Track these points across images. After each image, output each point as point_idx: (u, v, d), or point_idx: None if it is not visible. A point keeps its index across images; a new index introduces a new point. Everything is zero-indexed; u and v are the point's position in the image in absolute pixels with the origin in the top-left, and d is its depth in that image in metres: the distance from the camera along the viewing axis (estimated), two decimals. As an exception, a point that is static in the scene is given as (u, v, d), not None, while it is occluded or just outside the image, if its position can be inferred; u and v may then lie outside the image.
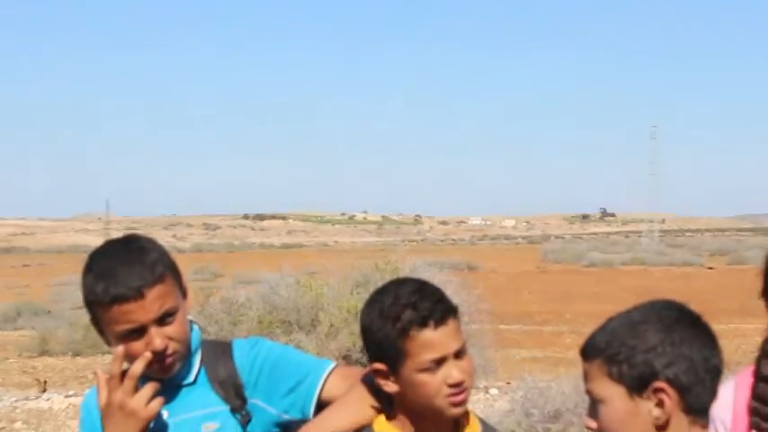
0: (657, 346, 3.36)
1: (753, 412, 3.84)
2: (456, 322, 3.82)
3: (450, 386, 3.75)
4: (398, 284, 3.98)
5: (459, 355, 3.77)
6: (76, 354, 21.94)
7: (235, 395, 4.14)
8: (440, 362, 3.72)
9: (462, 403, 3.80)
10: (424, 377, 3.74)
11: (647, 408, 3.36)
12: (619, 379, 3.39)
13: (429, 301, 3.79)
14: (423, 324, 3.72)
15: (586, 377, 3.51)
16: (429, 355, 3.72)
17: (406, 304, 3.77)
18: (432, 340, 3.72)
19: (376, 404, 3.94)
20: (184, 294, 4.14)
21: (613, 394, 3.40)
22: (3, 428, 14.58)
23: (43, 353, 23.25)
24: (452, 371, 3.76)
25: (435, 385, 3.73)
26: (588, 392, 3.51)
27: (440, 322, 3.74)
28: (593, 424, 3.50)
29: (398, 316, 3.74)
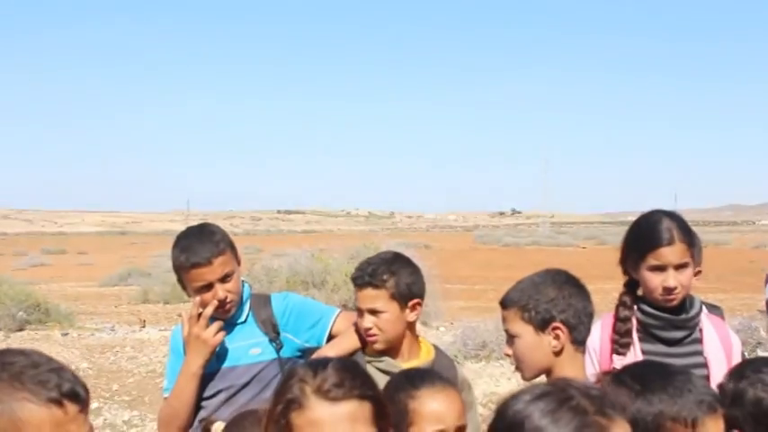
0: (554, 299, 3.39)
1: (613, 341, 3.85)
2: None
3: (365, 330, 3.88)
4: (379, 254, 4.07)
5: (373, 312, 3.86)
6: (167, 302, 21.86)
7: (272, 330, 4.22)
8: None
9: (374, 342, 3.88)
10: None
11: (548, 340, 3.38)
12: (528, 321, 3.40)
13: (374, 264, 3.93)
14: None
15: (504, 320, 3.52)
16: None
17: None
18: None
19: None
20: (239, 262, 4.21)
21: (524, 332, 3.41)
22: (117, 351, 14.51)
23: (144, 301, 23.22)
24: (364, 322, 3.87)
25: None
26: (506, 331, 3.52)
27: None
28: (510, 351, 3.53)
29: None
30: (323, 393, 2.34)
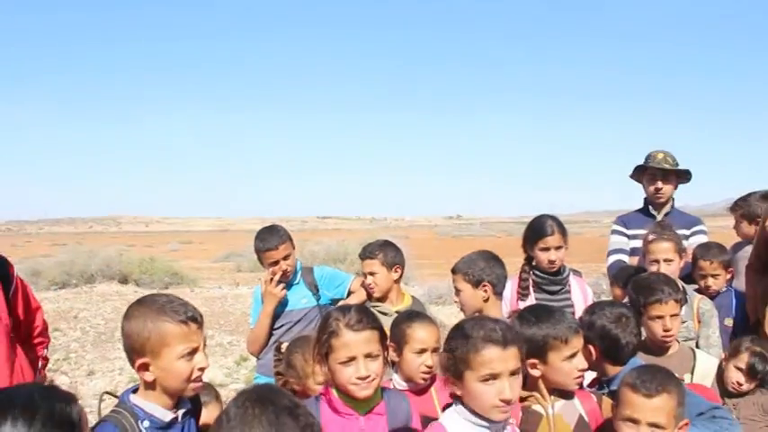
0: (484, 267, 3.41)
1: (518, 293, 3.88)
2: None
3: (367, 285, 4.03)
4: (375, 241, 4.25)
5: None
6: (252, 271, 21.77)
7: (314, 288, 4.26)
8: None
9: (373, 292, 4.04)
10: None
11: (480, 293, 3.41)
12: (468, 281, 3.43)
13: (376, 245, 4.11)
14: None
15: (454, 281, 3.53)
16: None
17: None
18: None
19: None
20: (294, 248, 4.22)
21: (465, 288, 3.44)
22: (223, 301, 14.54)
23: (239, 271, 23.15)
24: (366, 280, 4.07)
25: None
26: (455, 287, 3.54)
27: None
28: (457, 299, 3.56)
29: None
30: (350, 326, 2.37)
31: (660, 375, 2.35)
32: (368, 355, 2.36)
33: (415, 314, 3.14)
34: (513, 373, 2.18)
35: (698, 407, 2.56)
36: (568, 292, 3.95)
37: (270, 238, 4.09)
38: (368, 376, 2.35)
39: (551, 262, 3.85)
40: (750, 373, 3.38)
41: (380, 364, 2.41)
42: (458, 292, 3.53)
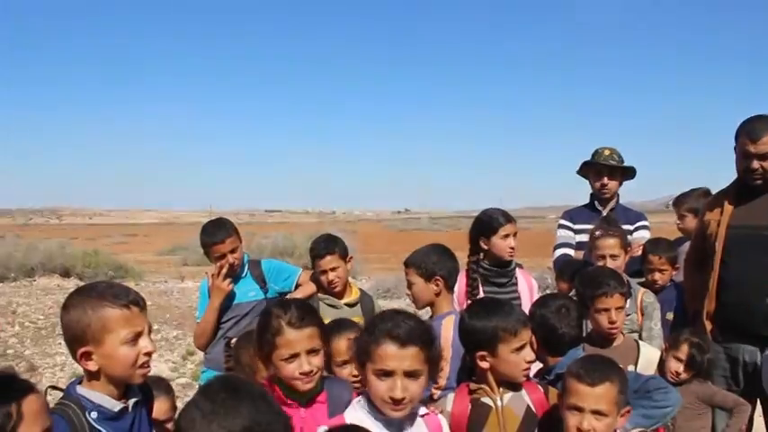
0: (436, 261, 3.41)
1: (468, 286, 3.90)
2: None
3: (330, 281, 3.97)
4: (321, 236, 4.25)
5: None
6: (198, 265, 21.46)
7: (262, 281, 4.22)
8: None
9: (336, 287, 4.01)
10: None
11: (432, 287, 3.40)
12: (420, 275, 3.42)
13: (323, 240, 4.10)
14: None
15: (406, 274, 3.52)
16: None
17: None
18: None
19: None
20: (241, 241, 4.20)
21: (418, 281, 3.43)
22: (169, 294, 14.34)
23: (184, 265, 22.69)
24: (329, 276, 3.99)
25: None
26: (407, 280, 3.53)
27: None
28: (409, 292, 3.56)
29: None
30: (291, 324, 2.41)
31: (603, 365, 2.41)
32: (310, 351, 2.42)
33: (343, 323, 3.17)
34: (409, 374, 2.19)
35: (632, 383, 2.61)
36: (515, 284, 3.98)
37: (216, 232, 4.07)
38: (311, 371, 2.41)
39: (512, 249, 3.88)
40: (689, 363, 3.47)
41: (321, 358, 2.47)
42: (410, 285, 3.51)
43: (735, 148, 3.72)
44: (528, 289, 4.02)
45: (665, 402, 2.63)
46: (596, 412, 2.32)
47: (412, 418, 2.30)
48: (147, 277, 18.74)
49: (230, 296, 4.10)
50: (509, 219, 3.93)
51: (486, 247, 3.91)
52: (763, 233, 3.62)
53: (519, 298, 3.90)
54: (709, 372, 3.60)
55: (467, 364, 2.73)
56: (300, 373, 2.40)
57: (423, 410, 2.37)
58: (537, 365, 2.99)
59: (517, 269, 4.05)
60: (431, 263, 3.44)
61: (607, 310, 3.20)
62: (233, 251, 4.05)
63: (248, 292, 4.16)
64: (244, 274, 4.19)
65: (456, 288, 3.83)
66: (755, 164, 3.56)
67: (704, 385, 3.53)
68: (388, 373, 2.20)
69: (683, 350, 3.48)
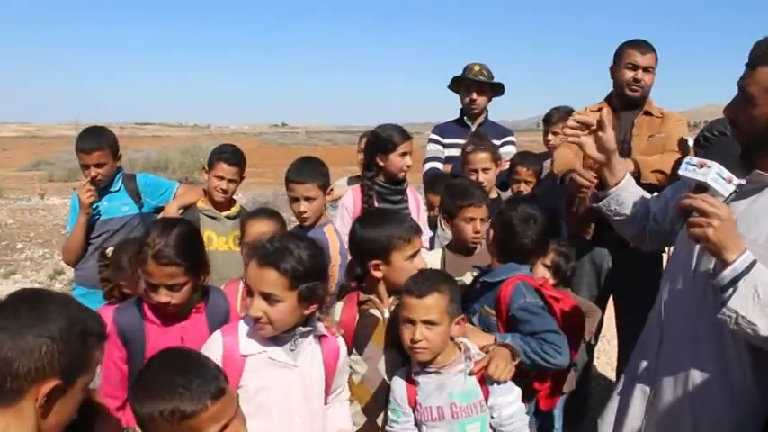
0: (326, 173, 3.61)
1: (363, 201, 3.94)
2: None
3: (223, 191, 3.91)
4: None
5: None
6: (65, 181, 20.39)
7: (136, 196, 4.13)
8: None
9: (225, 199, 3.98)
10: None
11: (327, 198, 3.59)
12: (322, 187, 3.55)
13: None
14: None
15: (307, 190, 3.55)
16: None
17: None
18: None
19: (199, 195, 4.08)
20: (115, 158, 4.07)
21: (320, 195, 3.54)
22: (32, 212, 13.64)
23: (50, 181, 21.46)
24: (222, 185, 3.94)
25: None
26: (306, 196, 3.56)
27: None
28: (304, 208, 3.57)
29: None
30: (156, 258, 2.39)
31: (432, 277, 2.46)
32: (170, 287, 2.42)
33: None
34: (265, 295, 2.19)
35: (534, 326, 2.61)
36: (407, 202, 4.03)
37: (87, 140, 3.93)
38: (168, 302, 2.43)
39: (408, 167, 3.90)
40: (555, 270, 3.66)
41: (187, 290, 2.47)
42: (310, 199, 3.52)
43: (613, 66, 4.00)
44: (416, 207, 4.09)
45: (550, 359, 2.57)
46: (427, 322, 2.37)
47: (304, 336, 2.31)
48: (8, 194, 17.71)
49: (102, 211, 4.00)
50: (406, 137, 3.90)
51: (382, 164, 3.90)
52: (623, 145, 3.86)
53: (410, 216, 3.91)
54: (571, 280, 3.82)
55: (354, 275, 2.70)
56: (158, 302, 2.43)
57: (321, 330, 2.38)
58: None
59: (408, 187, 4.09)
60: (326, 174, 3.53)
61: (473, 219, 3.28)
62: (98, 165, 3.92)
63: (121, 206, 4.07)
64: (117, 189, 4.09)
65: (349, 205, 3.91)
66: (640, 74, 3.88)
67: (565, 292, 3.68)
68: (249, 292, 2.23)
69: (551, 258, 3.64)
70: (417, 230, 2.65)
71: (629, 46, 3.94)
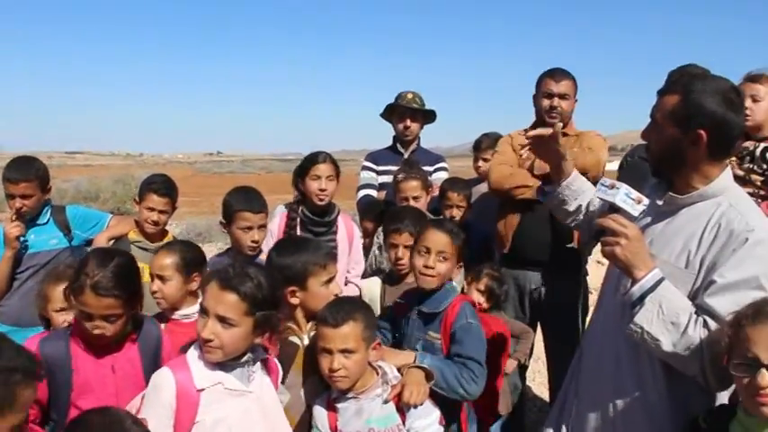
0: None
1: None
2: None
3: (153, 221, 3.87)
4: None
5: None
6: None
7: (66, 228, 4.01)
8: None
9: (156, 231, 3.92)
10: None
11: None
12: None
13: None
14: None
15: (254, 219, 3.56)
16: None
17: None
18: None
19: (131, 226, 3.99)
20: (44, 190, 3.96)
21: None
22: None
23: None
24: (153, 216, 3.87)
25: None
26: (267, 224, 3.58)
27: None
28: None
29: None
30: (94, 289, 2.36)
31: (347, 306, 2.48)
32: (106, 317, 2.40)
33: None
34: (221, 318, 2.18)
35: (464, 348, 2.67)
36: (335, 233, 4.02)
37: (15, 170, 3.80)
38: (102, 334, 2.41)
39: (321, 190, 3.89)
40: (489, 294, 3.72)
41: (122, 322, 2.45)
42: (262, 228, 3.56)
43: (535, 95, 4.16)
44: (347, 236, 4.07)
45: (465, 385, 2.62)
46: (344, 351, 2.38)
47: (255, 362, 2.33)
48: None
49: (29, 245, 3.86)
50: (323, 159, 3.92)
51: (303, 189, 3.95)
52: None
53: (336, 248, 3.94)
54: (503, 303, 3.91)
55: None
56: (94, 332, 2.40)
57: (265, 354, 2.40)
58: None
59: (341, 216, 4.09)
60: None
61: (396, 246, 3.30)
62: (25, 197, 3.79)
63: (49, 240, 3.94)
64: (45, 221, 3.96)
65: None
66: (556, 101, 4.03)
67: (498, 315, 3.79)
68: (204, 311, 2.22)
69: (484, 282, 3.72)
70: (332, 257, 2.70)
71: (546, 75, 4.11)
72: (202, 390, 2.20)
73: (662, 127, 2.24)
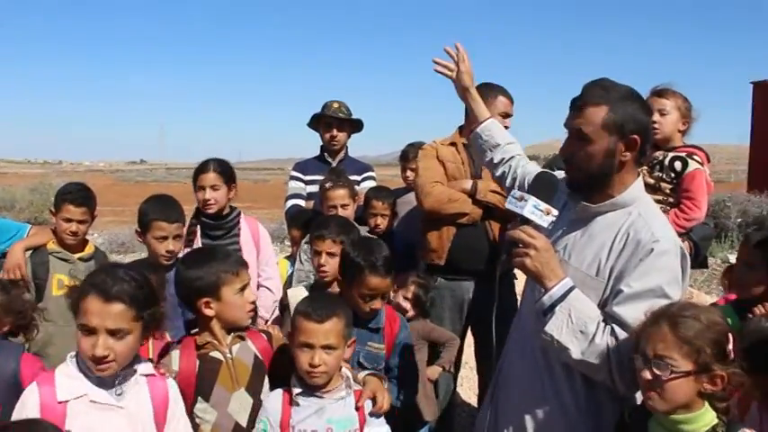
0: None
1: (185, 239, 3.90)
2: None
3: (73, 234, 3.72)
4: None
5: None
6: None
7: None
8: None
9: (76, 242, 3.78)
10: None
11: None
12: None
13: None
14: None
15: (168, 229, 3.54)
16: None
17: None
18: None
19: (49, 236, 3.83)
20: None
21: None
22: None
23: None
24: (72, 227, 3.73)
25: None
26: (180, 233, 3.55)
27: None
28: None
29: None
30: None
31: (329, 302, 2.54)
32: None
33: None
34: (112, 332, 2.12)
35: (400, 366, 3.00)
36: (237, 235, 4.06)
37: None
38: None
39: (206, 201, 3.95)
40: (415, 302, 3.77)
41: None
42: (178, 238, 3.56)
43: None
44: (251, 237, 4.10)
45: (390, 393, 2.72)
46: (326, 347, 2.41)
47: (128, 376, 2.25)
48: None
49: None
50: (207, 169, 3.98)
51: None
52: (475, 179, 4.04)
53: (240, 250, 3.94)
54: (430, 311, 3.91)
55: (186, 319, 2.70)
56: None
57: (147, 370, 2.31)
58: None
59: (244, 218, 4.13)
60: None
61: (319, 253, 3.35)
62: None
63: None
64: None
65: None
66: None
67: (424, 323, 3.82)
68: (90, 330, 2.12)
69: (411, 290, 3.76)
70: (243, 263, 2.65)
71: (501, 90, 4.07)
72: (66, 402, 2.14)
73: (593, 140, 2.27)
